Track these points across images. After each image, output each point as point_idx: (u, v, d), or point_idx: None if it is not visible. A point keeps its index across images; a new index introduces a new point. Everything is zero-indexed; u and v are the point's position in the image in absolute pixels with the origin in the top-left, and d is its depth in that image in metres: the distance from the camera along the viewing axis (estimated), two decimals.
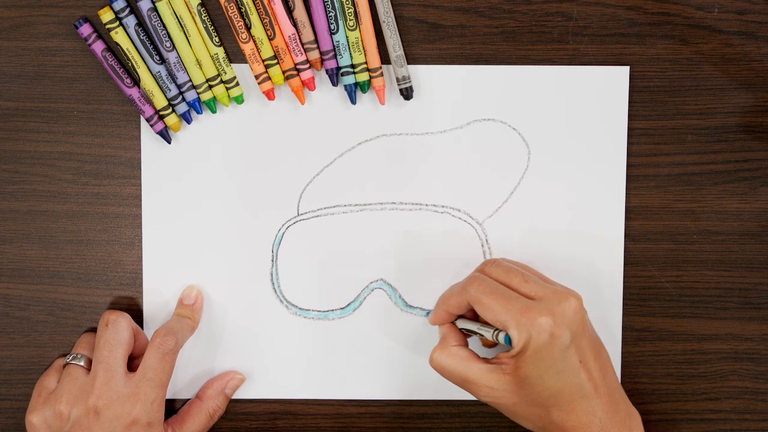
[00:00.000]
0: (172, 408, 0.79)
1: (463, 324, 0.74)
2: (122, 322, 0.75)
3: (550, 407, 0.70)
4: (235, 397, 0.79)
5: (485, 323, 0.72)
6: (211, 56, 0.76)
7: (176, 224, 0.79)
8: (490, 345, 0.78)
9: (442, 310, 0.75)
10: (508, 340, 0.70)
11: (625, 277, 0.79)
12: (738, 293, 0.80)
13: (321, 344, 0.79)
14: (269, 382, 0.80)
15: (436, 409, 0.80)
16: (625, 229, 0.79)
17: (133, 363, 0.76)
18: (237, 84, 0.77)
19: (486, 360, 0.72)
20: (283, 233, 0.79)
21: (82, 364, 0.75)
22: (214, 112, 0.78)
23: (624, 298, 0.79)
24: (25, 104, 0.78)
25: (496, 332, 0.71)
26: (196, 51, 0.76)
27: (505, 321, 0.69)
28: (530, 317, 0.68)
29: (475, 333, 0.73)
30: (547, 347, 0.68)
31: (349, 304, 0.79)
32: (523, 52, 0.78)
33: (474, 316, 0.75)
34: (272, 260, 0.79)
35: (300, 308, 0.79)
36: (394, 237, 0.79)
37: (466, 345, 0.74)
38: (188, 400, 0.79)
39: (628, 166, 0.79)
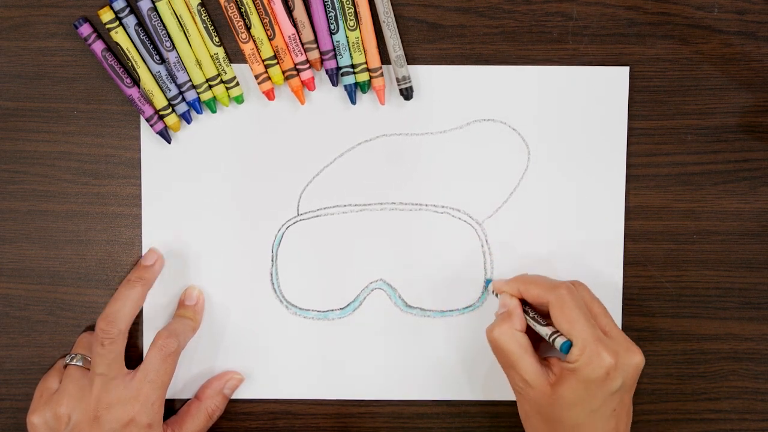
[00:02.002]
0: (171, 408, 0.79)
1: (529, 313, 0.74)
2: (120, 341, 0.75)
3: None
4: (235, 397, 0.79)
5: (548, 323, 0.72)
6: (211, 56, 0.76)
7: (176, 224, 0.79)
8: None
9: (516, 289, 0.75)
10: (566, 348, 0.70)
11: (625, 277, 0.79)
12: (738, 293, 0.80)
13: (321, 344, 0.79)
14: (269, 382, 0.80)
15: (436, 409, 0.80)
16: (625, 229, 0.79)
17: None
18: (237, 84, 0.77)
19: (538, 357, 0.72)
20: (283, 233, 0.79)
21: (81, 364, 0.75)
22: (214, 111, 0.78)
23: (624, 298, 0.79)
24: (25, 104, 0.78)
25: (555, 335, 0.71)
26: (196, 51, 0.76)
27: (575, 336, 0.70)
28: (597, 348, 0.69)
29: (535, 326, 0.73)
30: (596, 383, 0.69)
31: (348, 305, 0.79)
32: (523, 52, 0.78)
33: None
34: (272, 260, 0.79)
35: (300, 308, 0.79)
36: (394, 237, 0.79)
37: (526, 331, 0.73)
38: (188, 400, 0.79)
39: (628, 166, 0.79)
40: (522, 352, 0.72)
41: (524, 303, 0.75)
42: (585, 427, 0.70)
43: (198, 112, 0.77)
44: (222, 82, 0.77)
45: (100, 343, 0.74)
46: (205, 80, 0.77)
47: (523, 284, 0.75)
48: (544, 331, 0.72)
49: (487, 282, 0.79)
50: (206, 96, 0.77)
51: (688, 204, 0.79)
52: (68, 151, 0.78)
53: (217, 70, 0.77)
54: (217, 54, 0.76)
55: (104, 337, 0.74)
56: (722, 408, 0.80)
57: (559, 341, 0.71)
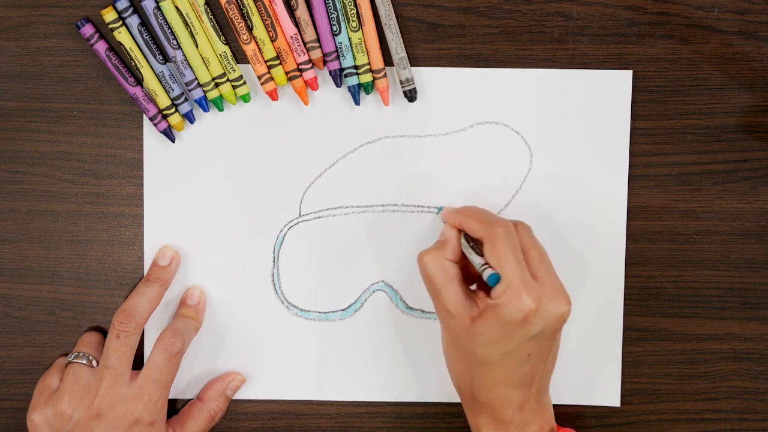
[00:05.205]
0: (173, 408, 0.79)
1: (465, 244, 0.73)
2: (135, 336, 0.75)
3: (476, 374, 0.70)
4: (235, 397, 0.79)
5: (481, 254, 0.72)
6: (218, 55, 0.76)
7: (177, 224, 0.79)
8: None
9: (458, 221, 0.74)
10: (493, 281, 0.69)
11: (625, 277, 0.79)
12: (738, 293, 0.80)
13: (322, 345, 0.79)
14: (270, 383, 0.80)
15: (435, 409, 0.80)
16: (625, 229, 0.79)
17: None
18: (244, 82, 0.77)
19: (466, 290, 0.72)
20: (285, 234, 0.79)
21: (84, 362, 0.75)
22: (221, 110, 0.77)
23: (624, 298, 0.79)
24: (25, 104, 0.78)
25: (486, 267, 0.70)
26: (202, 50, 0.76)
27: (501, 275, 0.69)
28: (519, 290, 0.68)
29: (471, 254, 0.72)
30: (513, 325, 0.68)
31: (350, 306, 0.79)
32: (523, 52, 0.78)
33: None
34: (274, 261, 0.79)
35: (301, 309, 0.79)
36: (396, 239, 0.79)
37: (458, 262, 0.73)
38: (189, 400, 0.79)
39: (628, 166, 0.79)
40: (447, 281, 0.71)
41: (468, 237, 0.74)
42: (496, 366, 0.69)
43: (205, 110, 0.77)
44: (229, 80, 0.77)
45: (116, 335, 0.74)
46: (211, 79, 0.76)
47: (465, 217, 0.73)
48: (477, 260, 0.71)
49: (439, 210, 0.78)
50: (213, 95, 0.77)
51: (688, 204, 0.79)
52: (68, 151, 0.78)
53: (224, 68, 0.76)
54: (224, 52, 0.76)
55: (121, 330, 0.74)
56: (722, 408, 0.80)
57: (487, 273, 0.69)
